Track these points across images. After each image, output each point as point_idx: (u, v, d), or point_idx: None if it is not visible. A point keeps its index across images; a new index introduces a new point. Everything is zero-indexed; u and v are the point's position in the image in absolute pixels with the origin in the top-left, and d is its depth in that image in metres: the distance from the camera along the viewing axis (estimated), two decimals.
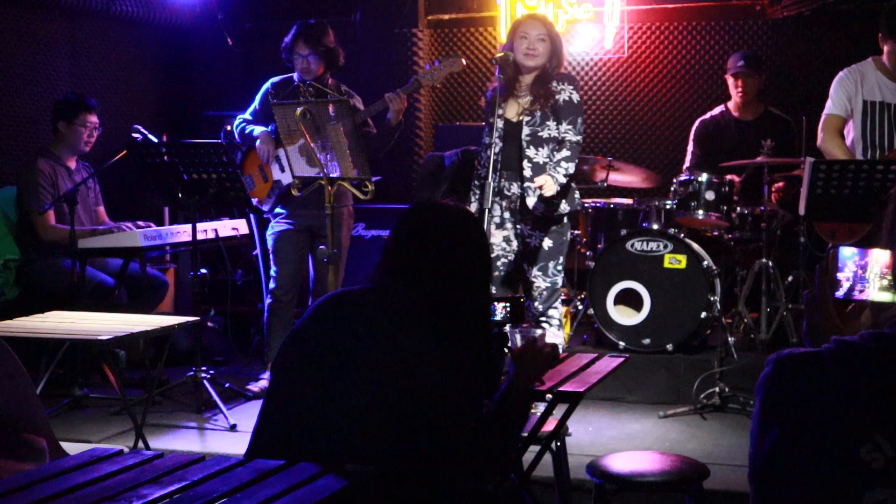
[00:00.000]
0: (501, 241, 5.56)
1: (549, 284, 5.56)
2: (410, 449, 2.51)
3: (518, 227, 5.57)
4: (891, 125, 5.55)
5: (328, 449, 2.48)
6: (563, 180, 5.36)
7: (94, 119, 6.34)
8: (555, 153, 5.41)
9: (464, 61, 5.89)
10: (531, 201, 5.43)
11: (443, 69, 5.78)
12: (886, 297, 1.98)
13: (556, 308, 5.62)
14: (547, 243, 5.53)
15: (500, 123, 5.40)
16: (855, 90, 5.60)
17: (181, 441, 5.26)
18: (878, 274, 2.07)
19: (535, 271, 5.55)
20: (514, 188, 5.48)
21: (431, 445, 2.52)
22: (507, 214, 5.55)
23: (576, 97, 5.46)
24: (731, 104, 6.79)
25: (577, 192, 5.59)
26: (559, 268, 5.60)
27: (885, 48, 5.51)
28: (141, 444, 4.85)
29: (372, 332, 2.60)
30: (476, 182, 5.64)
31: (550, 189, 5.29)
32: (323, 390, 2.54)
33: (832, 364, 1.55)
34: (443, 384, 2.55)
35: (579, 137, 5.46)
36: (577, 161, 5.45)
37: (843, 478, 1.50)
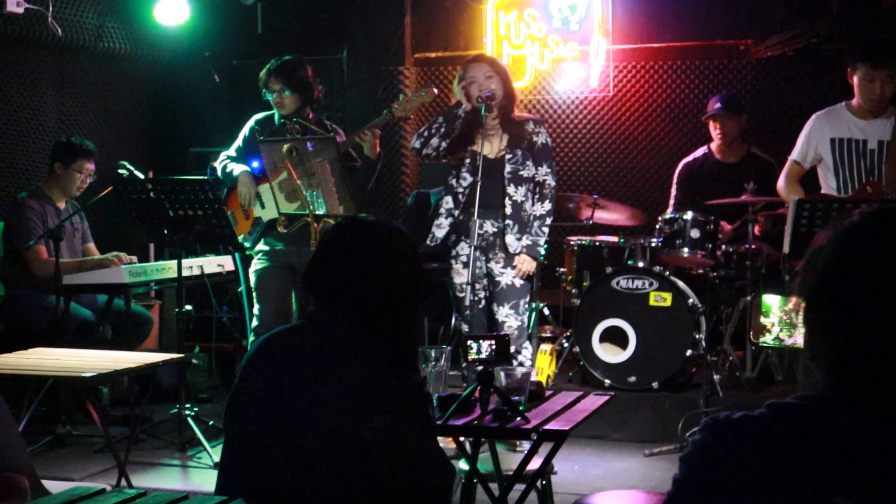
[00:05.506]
0: (468, 279, 5.53)
1: (519, 323, 5.57)
2: (380, 484, 2.45)
3: (488, 265, 5.58)
4: (860, 160, 5.62)
5: (295, 495, 2.45)
6: (543, 246, 5.58)
7: (90, 166, 6.37)
8: (529, 195, 5.49)
9: (435, 91, 5.92)
10: (510, 239, 5.48)
11: (415, 99, 5.79)
12: None
13: (526, 348, 5.63)
14: (518, 281, 5.55)
15: (471, 158, 5.52)
16: (821, 135, 5.70)
17: (164, 479, 5.23)
18: None
19: (506, 310, 5.55)
20: (488, 225, 5.51)
21: (397, 476, 2.47)
22: (476, 252, 5.54)
23: (549, 141, 5.67)
24: (713, 146, 6.82)
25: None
26: (527, 306, 5.63)
27: (855, 79, 5.59)
28: (124, 483, 4.81)
29: (314, 368, 2.51)
30: (444, 218, 5.64)
31: (529, 269, 5.54)
32: (279, 433, 2.47)
33: (774, 427, 1.51)
34: (395, 408, 2.46)
35: (555, 181, 5.65)
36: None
37: None
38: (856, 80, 5.58)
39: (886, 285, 1.50)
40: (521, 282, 5.55)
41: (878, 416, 1.49)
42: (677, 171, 6.93)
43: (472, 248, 5.31)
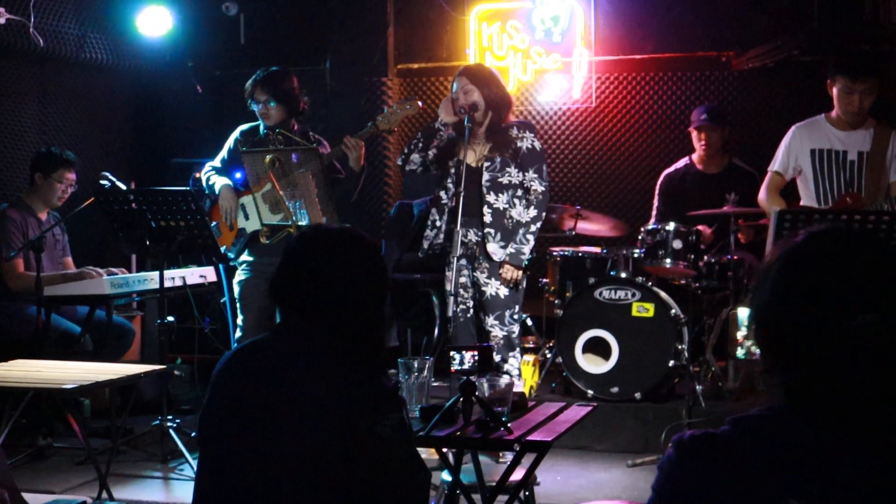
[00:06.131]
0: (452, 289, 5.52)
1: (505, 333, 5.56)
2: (356, 490, 2.45)
3: (474, 274, 5.58)
4: (840, 172, 5.64)
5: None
6: (528, 251, 5.51)
7: (71, 176, 6.36)
8: (516, 201, 5.47)
9: (420, 104, 5.92)
10: (493, 247, 5.47)
11: (399, 112, 5.80)
12: None
13: (514, 357, 5.62)
14: (503, 291, 5.54)
15: (455, 168, 5.50)
16: (801, 146, 5.71)
17: (146, 491, 5.20)
18: None
19: (491, 320, 5.55)
20: (472, 235, 5.51)
21: (374, 481, 2.46)
22: (462, 262, 5.55)
23: (538, 145, 5.56)
24: (695, 157, 6.85)
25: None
26: (515, 316, 5.61)
27: (834, 91, 5.60)
28: (105, 495, 4.79)
29: (282, 378, 2.50)
30: (429, 230, 5.64)
31: (514, 277, 5.50)
32: (255, 446, 2.47)
33: (734, 442, 1.61)
34: (369, 416, 2.46)
35: (545, 186, 5.56)
36: (544, 215, 5.54)
37: None
38: (835, 91, 5.60)
39: (829, 304, 1.59)
40: (507, 292, 5.55)
41: (827, 424, 1.58)
42: (659, 181, 6.96)
43: (455, 258, 5.31)
